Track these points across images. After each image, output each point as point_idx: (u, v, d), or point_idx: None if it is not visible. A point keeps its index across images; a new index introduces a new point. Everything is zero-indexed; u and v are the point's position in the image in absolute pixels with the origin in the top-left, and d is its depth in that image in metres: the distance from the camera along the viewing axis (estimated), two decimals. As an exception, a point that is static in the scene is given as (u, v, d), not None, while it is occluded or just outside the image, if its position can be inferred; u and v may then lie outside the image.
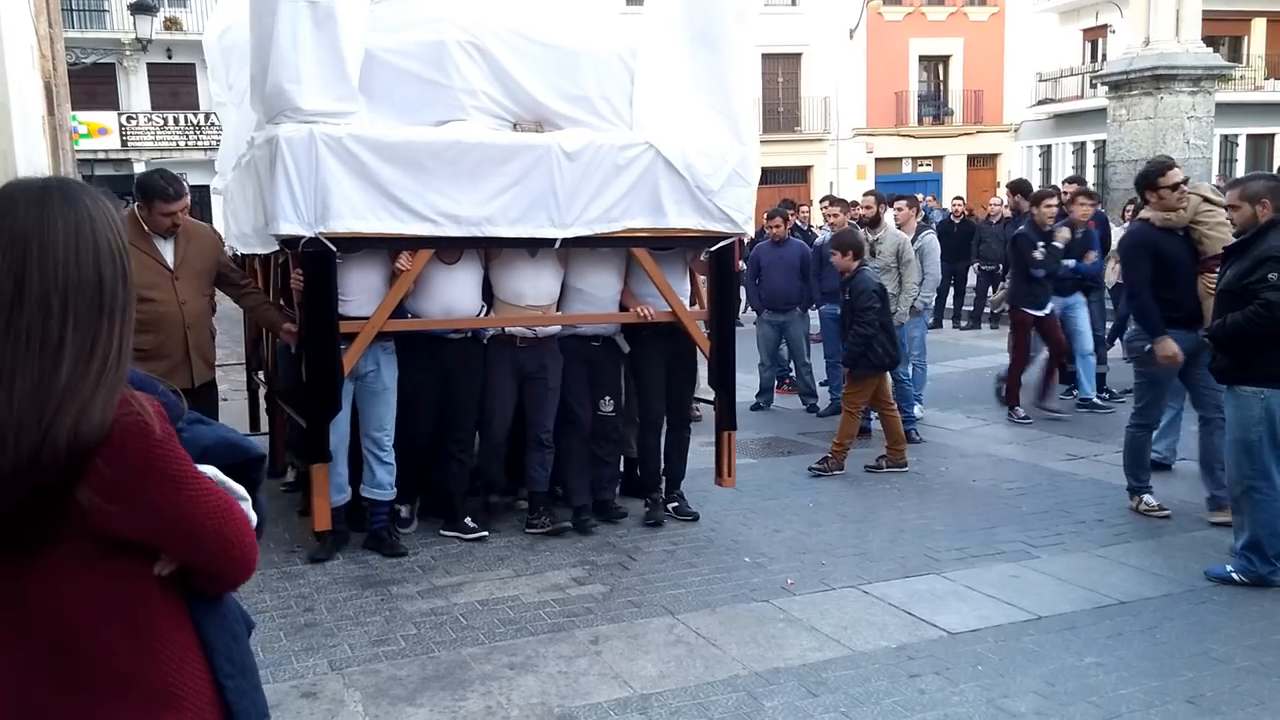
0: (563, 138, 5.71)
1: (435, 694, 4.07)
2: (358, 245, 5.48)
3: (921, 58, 33.33)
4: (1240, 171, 28.25)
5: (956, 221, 16.06)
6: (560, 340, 6.10)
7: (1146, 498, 6.27)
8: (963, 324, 16.34)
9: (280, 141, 5.20)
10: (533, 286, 5.94)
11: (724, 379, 6.33)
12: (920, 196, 13.63)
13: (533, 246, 5.85)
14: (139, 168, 28.50)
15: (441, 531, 6.02)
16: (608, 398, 6.29)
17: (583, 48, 5.84)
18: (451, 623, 4.78)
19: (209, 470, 1.59)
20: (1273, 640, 4.38)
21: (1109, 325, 10.44)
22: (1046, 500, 6.62)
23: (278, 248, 5.63)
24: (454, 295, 5.81)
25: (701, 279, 6.45)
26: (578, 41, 5.85)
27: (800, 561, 5.56)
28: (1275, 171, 25.15)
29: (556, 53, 5.79)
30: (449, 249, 5.73)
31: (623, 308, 6.25)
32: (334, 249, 5.37)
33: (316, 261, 5.39)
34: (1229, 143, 30.15)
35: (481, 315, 5.93)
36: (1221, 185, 9.94)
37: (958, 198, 17.67)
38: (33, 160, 7.91)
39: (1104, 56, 30.28)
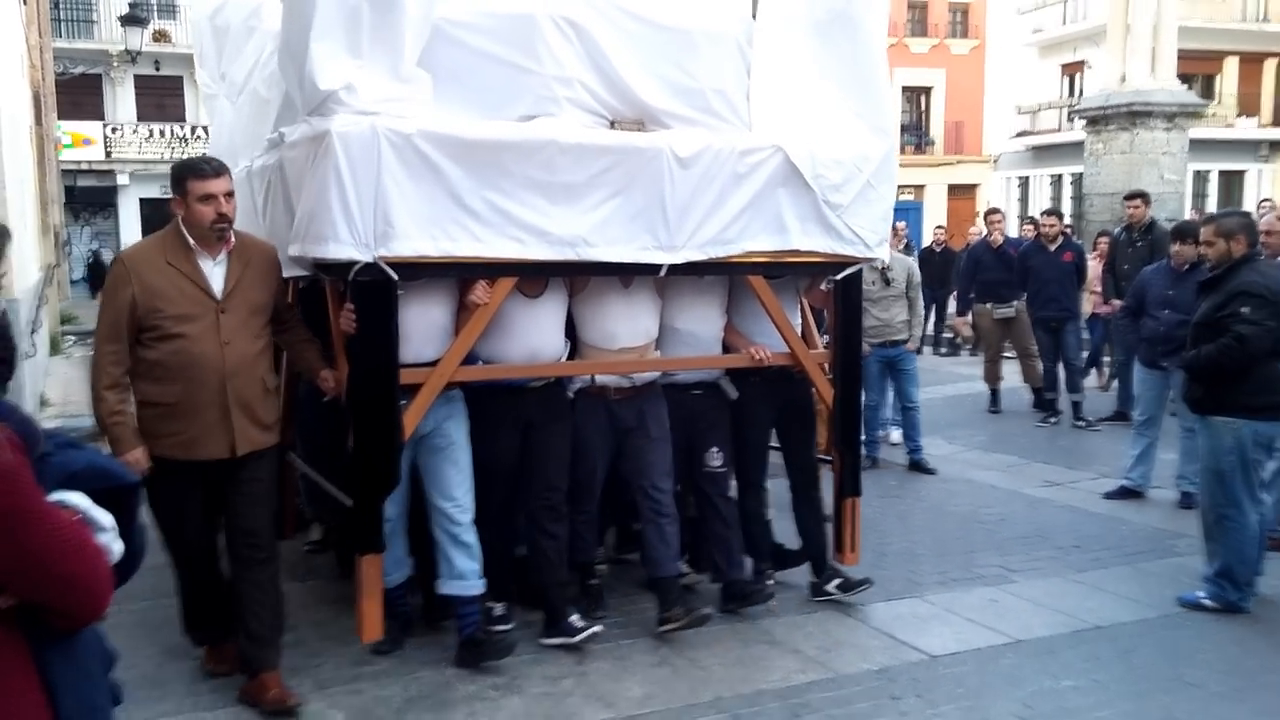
0: (675, 140, 4.46)
1: (420, 714, 3.98)
2: (422, 271, 4.19)
3: (904, 88, 32.60)
4: (1212, 206, 27.74)
5: (938, 250, 15.44)
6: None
7: None
8: (942, 350, 15.67)
9: (334, 139, 3.90)
10: (628, 325, 4.67)
11: (849, 434, 5.08)
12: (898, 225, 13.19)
13: (630, 274, 4.59)
14: (122, 179, 27.13)
15: (543, 641, 4.57)
16: (715, 449, 4.98)
17: (697, 29, 4.61)
18: (435, 643, 4.49)
19: (74, 498, 1.56)
20: (1245, 666, 4.40)
21: (1085, 354, 10.55)
22: (1025, 526, 6.59)
23: (307, 274, 4.33)
24: (538, 336, 4.53)
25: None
26: (691, 21, 4.61)
27: (783, 584, 5.28)
28: (1248, 208, 24.62)
29: (666, 35, 4.55)
30: (533, 278, 4.46)
31: (725, 349, 5.00)
32: (395, 277, 4.08)
33: (374, 293, 4.09)
34: (1201, 178, 29.65)
35: (565, 360, 4.66)
36: (1195, 219, 9.87)
37: (939, 226, 16.96)
38: (19, 170, 6.63)
39: (1081, 91, 29.74)
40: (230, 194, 3.97)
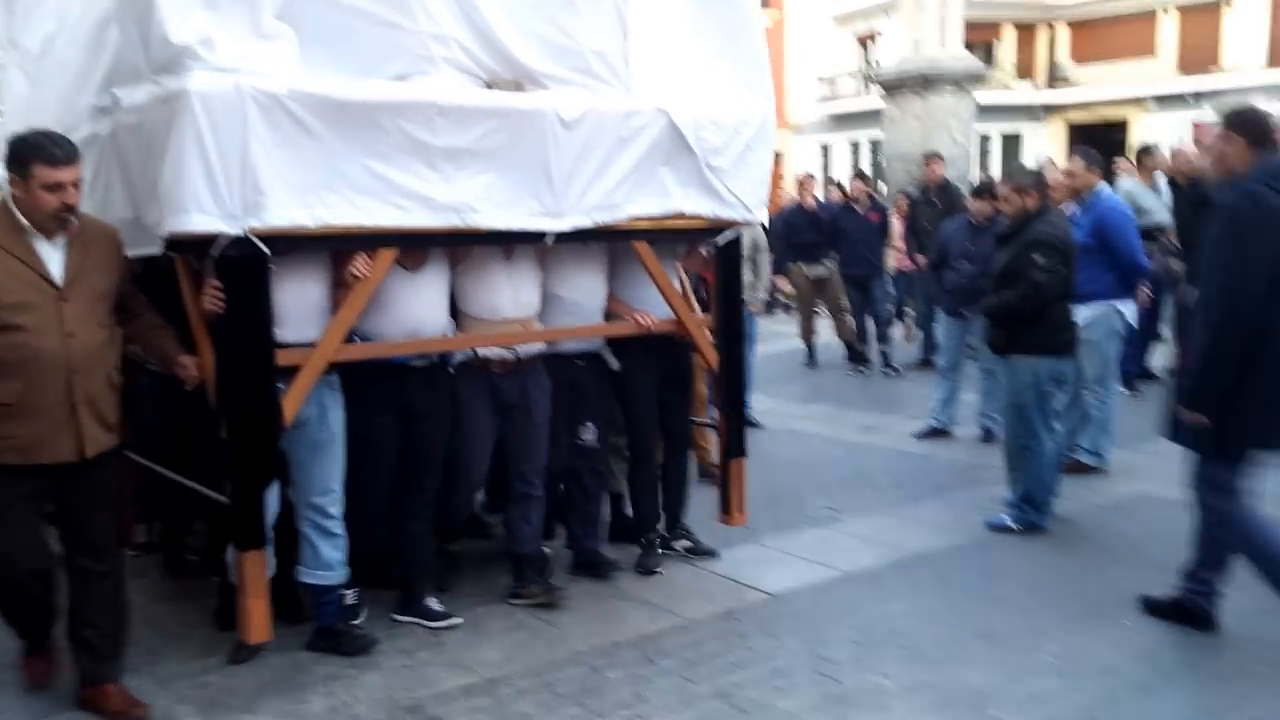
0: (559, 101, 4.24)
1: (274, 700, 3.82)
2: (295, 245, 3.84)
3: (709, 58, 32.99)
4: (995, 167, 29.37)
5: None
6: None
7: None
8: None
9: (193, 99, 3.49)
10: (511, 296, 4.44)
11: (734, 398, 5.02)
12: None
13: (515, 243, 4.36)
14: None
15: (395, 616, 4.42)
16: (589, 424, 4.87)
17: (575, -14, 4.38)
18: (282, 628, 4.15)
19: None
20: (1048, 579, 4.75)
21: (890, 307, 11.07)
22: (846, 469, 6.88)
23: (151, 253, 3.90)
24: (420, 311, 4.24)
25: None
26: (569, -22, 4.38)
27: (628, 543, 5.26)
28: (1029, 165, 26.18)
29: (543, -9, 4.31)
30: (414, 250, 4.16)
31: (607, 317, 4.85)
32: (267, 251, 3.72)
33: (243, 270, 3.72)
34: (984, 140, 31.34)
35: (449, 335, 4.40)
36: (983, 180, 10.56)
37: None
38: None
39: (876, 60, 30.87)
40: (79, 182, 3.52)
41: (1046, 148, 31.66)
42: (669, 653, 4.13)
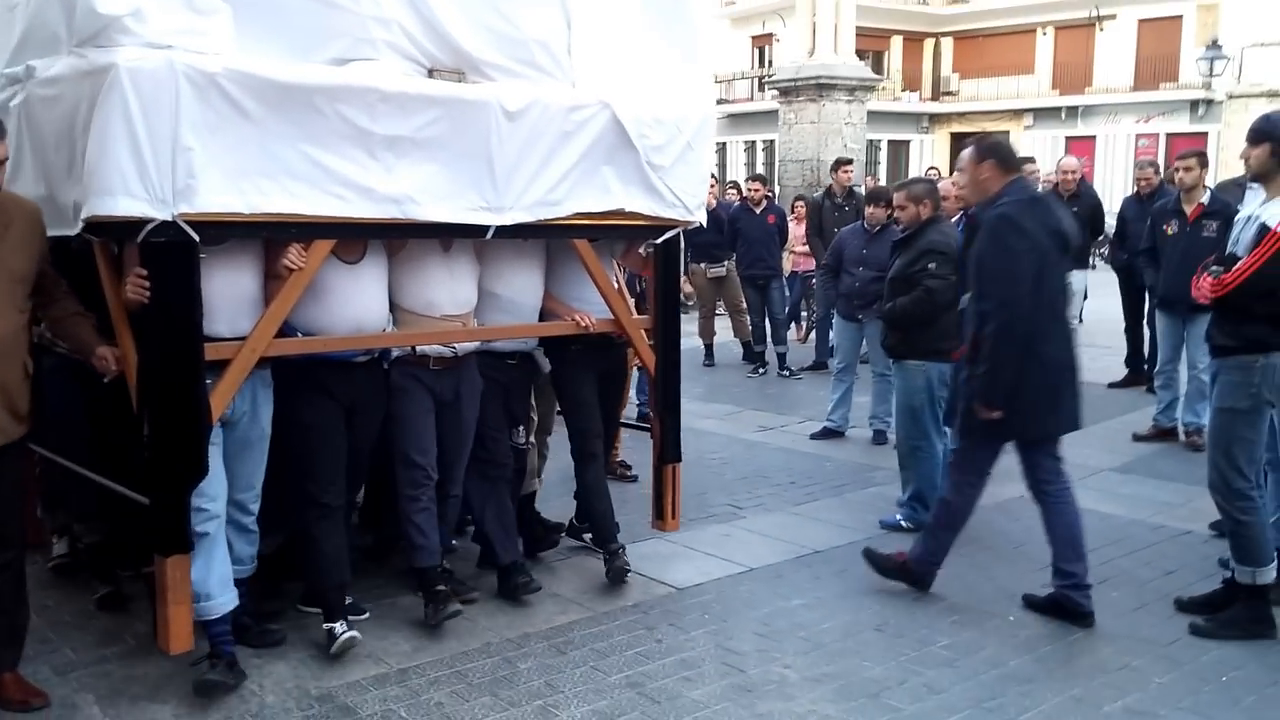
0: (503, 92, 4.08)
1: (182, 688, 3.73)
2: (226, 233, 3.60)
3: (606, 56, 32.85)
4: (883, 173, 30.09)
5: None
6: None
7: None
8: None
9: (121, 74, 3.24)
10: (449, 292, 4.28)
11: (670, 400, 4.93)
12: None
13: (453, 237, 4.20)
14: None
15: (301, 607, 4.35)
16: (520, 428, 4.76)
17: (521, -26, 4.22)
18: None
19: None
20: (938, 575, 4.78)
21: (786, 310, 11.17)
22: (746, 467, 6.95)
23: (72, 233, 3.62)
24: (362, 305, 4.04)
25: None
26: (515, -35, 4.22)
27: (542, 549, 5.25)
28: (914, 173, 26.94)
29: (488, -22, 4.14)
30: (351, 241, 3.96)
31: (542, 315, 4.71)
32: (196, 238, 3.48)
33: (171, 256, 3.47)
34: (874, 147, 32.04)
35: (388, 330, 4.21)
36: (870, 186, 11.12)
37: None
38: None
39: (770, 62, 31.23)
40: (4, 160, 3.24)
41: (931, 156, 32.59)
42: (579, 644, 4.19)
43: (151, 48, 3.31)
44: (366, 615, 4.34)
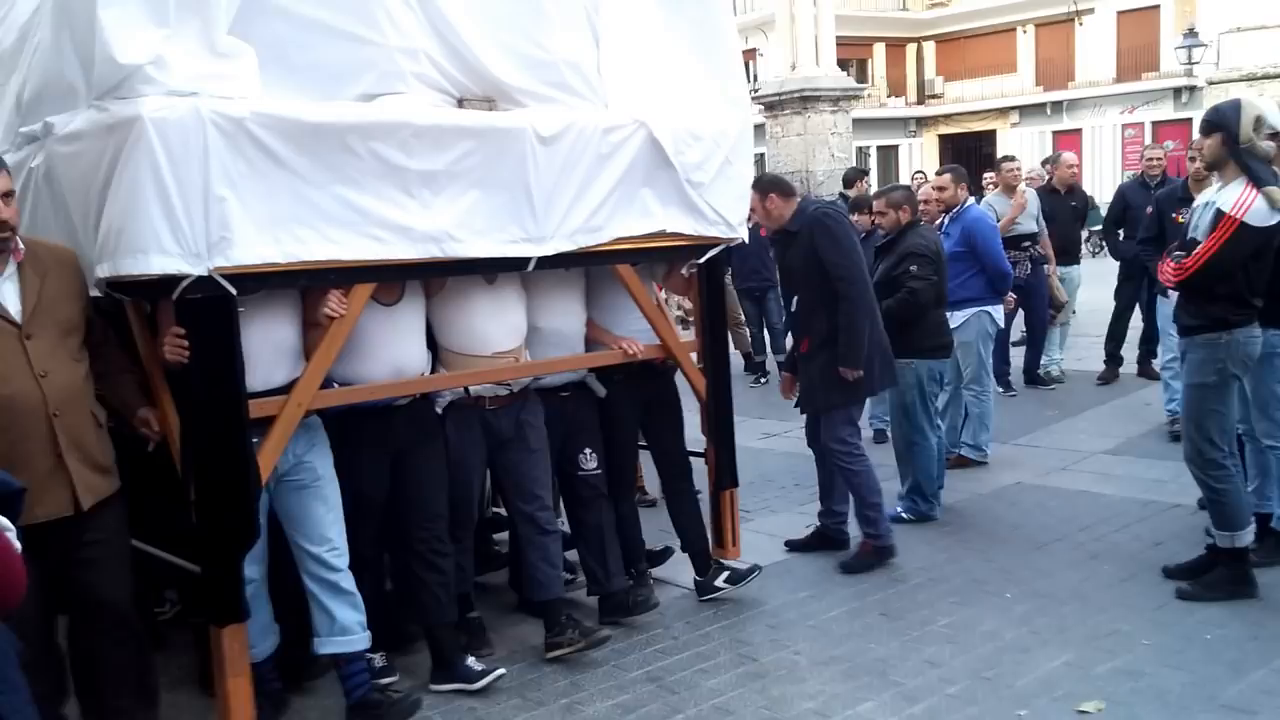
0: (536, 118, 3.86)
1: None
2: (262, 283, 3.37)
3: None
4: (874, 179, 29.92)
5: None
6: None
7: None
8: None
9: (147, 126, 3.01)
10: (499, 326, 4.03)
11: (722, 424, 4.68)
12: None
13: (495, 270, 3.97)
14: None
15: (434, 687, 3.91)
16: (589, 451, 4.46)
17: (546, -4, 4.00)
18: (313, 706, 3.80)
19: None
20: (938, 561, 4.98)
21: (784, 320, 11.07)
22: (752, 473, 6.59)
23: (99, 294, 3.38)
24: (401, 349, 3.80)
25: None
26: (540, -14, 3.99)
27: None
28: (903, 179, 26.85)
29: (513, 1, 3.92)
30: (389, 282, 3.73)
31: (587, 344, 4.47)
32: (234, 291, 3.24)
33: (209, 313, 3.23)
34: (863, 154, 31.91)
35: (430, 371, 3.97)
36: (859, 194, 10.67)
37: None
38: None
39: (755, 77, 31.13)
40: (10, 194, 3.00)
41: (921, 160, 32.44)
42: (600, 646, 4.14)
43: (176, 95, 3.08)
44: (503, 672, 3.96)
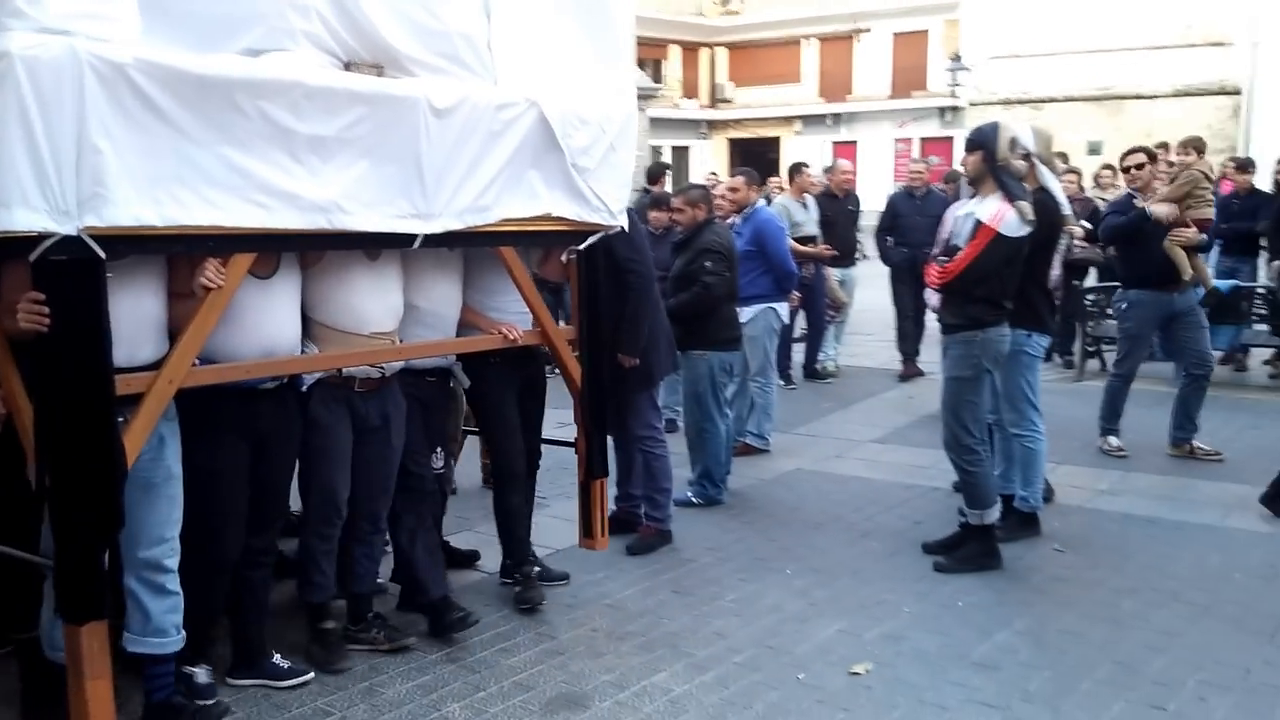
0: (430, 88, 3.65)
1: None
2: (135, 247, 3.02)
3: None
4: (668, 178, 30.47)
5: None
6: None
7: (1111, 439, 6.74)
8: None
9: (15, 64, 2.63)
10: (379, 304, 3.80)
11: (598, 413, 4.60)
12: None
13: (379, 247, 3.73)
14: None
15: (230, 680, 3.70)
16: (440, 450, 4.33)
17: (442, -38, 3.77)
18: None
19: None
20: (723, 540, 5.31)
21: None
22: (550, 461, 6.14)
23: None
24: (274, 324, 3.51)
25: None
26: (435, -47, 3.76)
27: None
28: (695, 178, 27.57)
29: (409, -36, 3.67)
30: (267, 253, 3.43)
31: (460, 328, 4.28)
32: (103, 255, 2.89)
33: (73, 278, 2.86)
34: (657, 153, 32.46)
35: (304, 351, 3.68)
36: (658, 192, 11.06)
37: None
38: None
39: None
40: None
41: (711, 161, 33.28)
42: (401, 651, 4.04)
43: (47, 33, 2.70)
44: (310, 677, 3.78)
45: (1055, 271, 5.28)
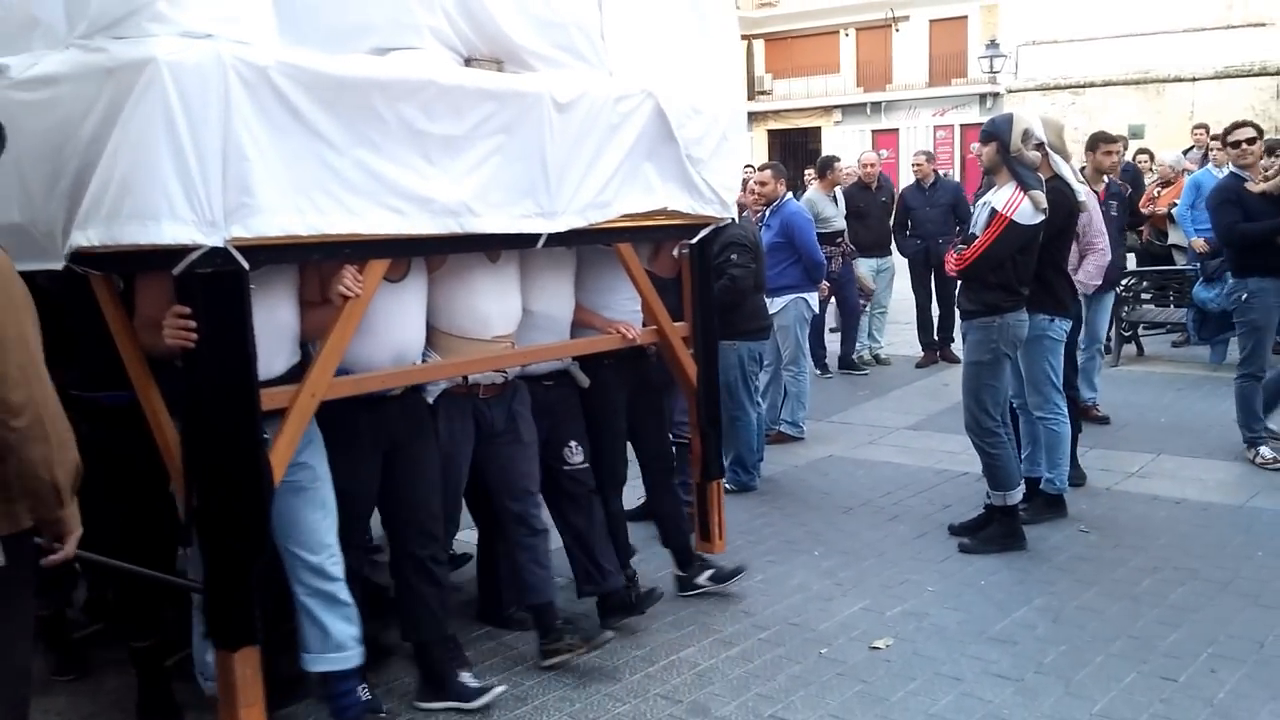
0: (552, 83, 3.51)
1: None
2: (277, 257, 2.91)
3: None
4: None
5: None
6: None
7: (1263, 450, 6.02)
8: None
9: (162, 70, 2.52)
10: (501, 307, 3.67)
11: (713, 412, 4.45)
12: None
13: (504, 248, 3.60)
14: None
15: (420, 705, 3.53)
16: (574, 444, 4.13)
17: (558, -48, 3.63)
18: None
19: None
20: (757, 527, 5.30)
21: None
22: None
23: (59, 267, 2.85)
24: (404, 330, 3.39)
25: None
26: (552, -59, 3.62)
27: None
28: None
29: (528, -45, 3.53)
30: (399, 258, 3.30)
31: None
32: (246, 266, 2.77)
33: (220, 291, 2.75)
34: (694, 147, 32.30)
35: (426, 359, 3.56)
36: None
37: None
38: None
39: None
40: None
41: (751, 154, 33.01)
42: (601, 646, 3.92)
43: (190, 37, 2.59)
44: (503, 690, 3.58)
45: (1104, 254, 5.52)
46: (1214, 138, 10.21)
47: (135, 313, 2.97)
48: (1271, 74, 27.02)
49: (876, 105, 32.32)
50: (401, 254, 3.26)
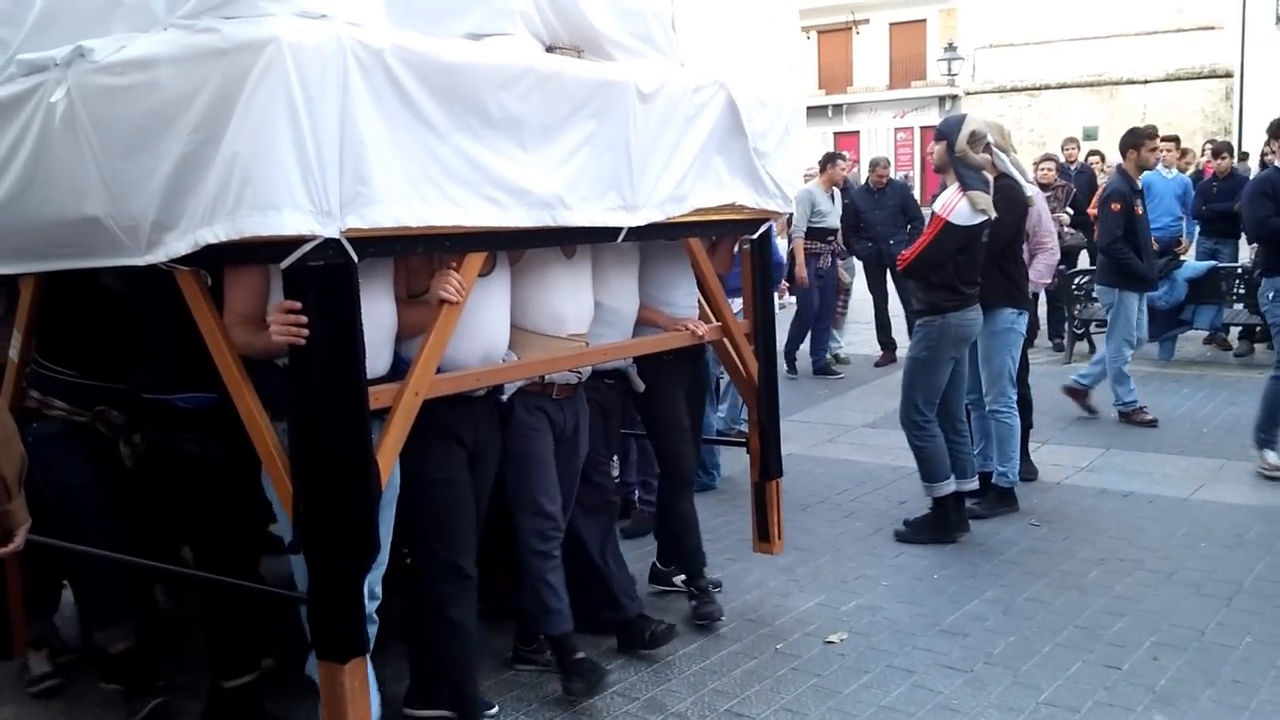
0: (636, 72, 3.43)
1: None
2: (384, 249, 2.80)
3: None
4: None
5: None
6: None
7: (1269, 455, 5.85)
8: None
9: (283, 51, 2.40)
10: (575, 304, 3.58)
11: (772, 410, 4.39)
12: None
13: (585, 241, 3.51)
14: None
15: (408, 711, 3.43)
16: (614, 458, 4.10)
17: (637, -60, 3.54)
18: None
19: None
20: (712, 524, 5.20)
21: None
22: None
23: (142, 263, 2.74)
24: (491, 327, 3.28)
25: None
26: (632, -71, 3.53)
27: None
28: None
29: (609, -57, 3.45)
30: (489, 251, 3.20)
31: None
32: (356, 258, 2.66)
33: (330, 285, 2.63)
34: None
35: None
36: None
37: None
38: None
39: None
40: None
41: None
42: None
43: (307, 17, 2.47)
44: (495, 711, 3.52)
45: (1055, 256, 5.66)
46: (1211, 142, 10.49)
47: (224, 309, 2.84)
48: (1221, 76, 27.73)
49: (838, 108, 32.61)
50: (494, 247, 3.16)
